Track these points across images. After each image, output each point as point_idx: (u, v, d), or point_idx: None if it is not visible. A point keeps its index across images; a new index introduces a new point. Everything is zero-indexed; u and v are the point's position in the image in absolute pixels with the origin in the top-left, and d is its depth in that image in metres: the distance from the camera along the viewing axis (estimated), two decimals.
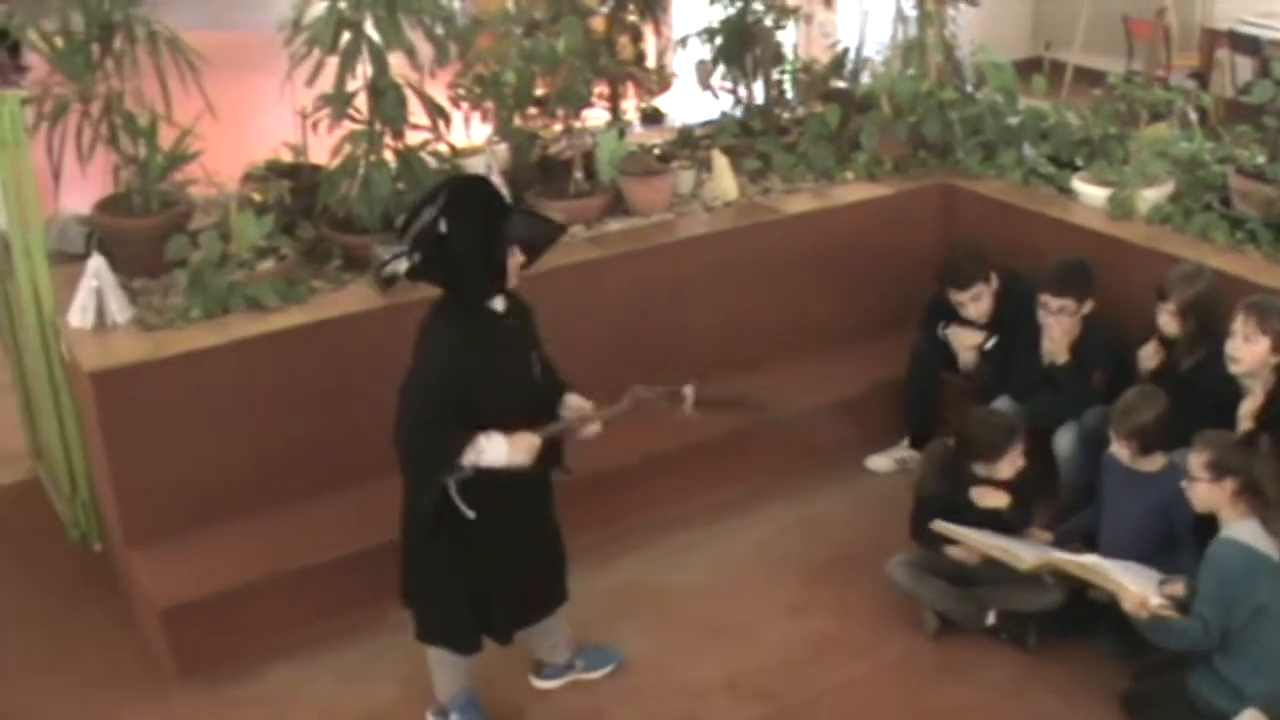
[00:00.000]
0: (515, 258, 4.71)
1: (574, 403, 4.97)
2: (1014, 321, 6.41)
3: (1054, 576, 5.45)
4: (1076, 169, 7.29)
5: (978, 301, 6.51)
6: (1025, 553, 5.39)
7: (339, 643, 5.71)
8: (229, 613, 5.54)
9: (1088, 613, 5.49)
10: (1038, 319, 6.19)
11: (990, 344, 6.56)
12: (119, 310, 5.81)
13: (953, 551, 5.58)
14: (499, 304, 4.78)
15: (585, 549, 5.71)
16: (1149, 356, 5.92)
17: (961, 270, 6.53)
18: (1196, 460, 4.98)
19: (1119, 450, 5.44)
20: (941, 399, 6.82)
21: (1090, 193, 6.94)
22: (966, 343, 6.62)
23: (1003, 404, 6.26)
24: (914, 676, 5.56)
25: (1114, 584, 5.13)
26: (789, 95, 8.02)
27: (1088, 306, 6.11)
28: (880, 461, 6.97)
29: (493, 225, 4.66)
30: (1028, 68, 8.47)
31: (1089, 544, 5.57)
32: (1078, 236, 6.66)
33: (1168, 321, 5.81)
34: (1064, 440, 6.07)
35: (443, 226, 4.58)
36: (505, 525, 4.89)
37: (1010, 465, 5.57)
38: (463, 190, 4.74)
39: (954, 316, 6.63)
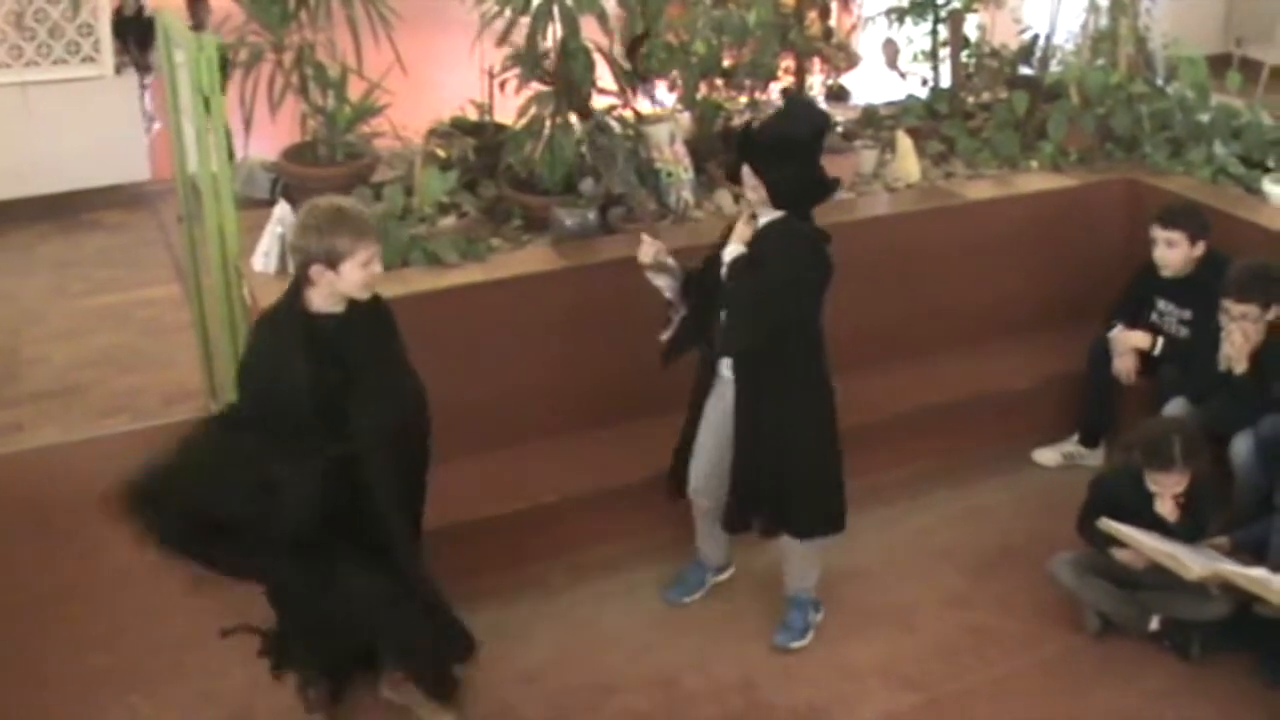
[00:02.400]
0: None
1: None
2: (1207, 304, 6.15)
3: (1221, 588, 5.33)
4: (1268, 170, 7.12)
5: (1172, 248, 6.34)
6: (1193, 562, 5.26)
7: (499, 600, 5.78)
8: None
9: (1254, 627, 5.37)
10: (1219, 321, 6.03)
11: (1159, 349, 6.43)
12: None
13: (1120, 554, 5.48)
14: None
15: None
16: None
17: (1176, 211, 6.43)
18: None
19: None
20: (1119, 397, 6.68)
21: None
22: (1132, 343, 6.48)
23: (1178, 406, 6.14)
24: (1071, 676, 5.48)
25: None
26: (974, 79, 7.92)
27: (1273, 313, 5.90)
28: (1047, 455, 6.88)
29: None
30: (1217, 64, 8.29)
31: (1261, 555, 5.43)
32: (1266, 239, 6.50)
33: None
34: (1241, 448, 5.92)
35: None
36: None
37: (1176, 482, 5.40)
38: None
39: (1135, 317, 6.51)
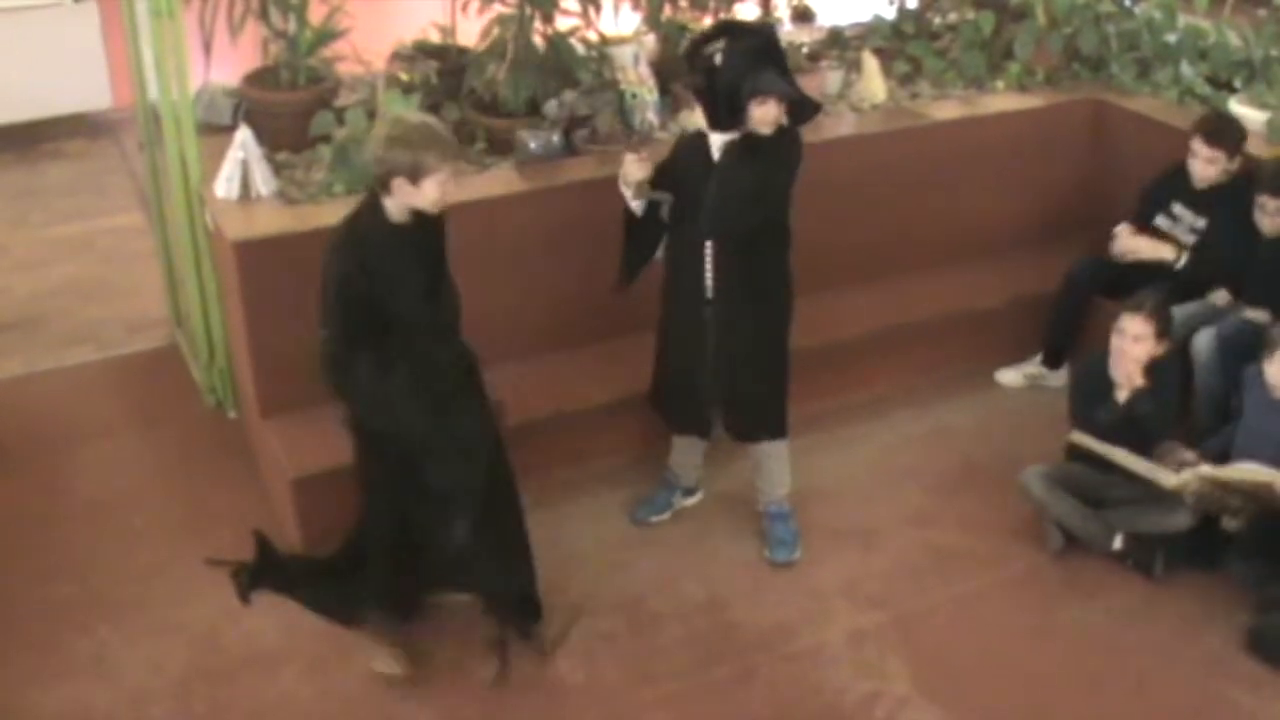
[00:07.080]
0: (765, 107, 5.02)
1: None
2: (1224, 216, 6.27)
3: (1195, 495, 5.32)
4: (1234, 90, 7.11)
5: (1211, 165, 6.27)
6: (1167, 474, 5.31)
7: None
8: (350, 488, 5.57)
9: (1216, 542, 5.43)
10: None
11: (1182, 262, 6.35)
12: (263, 182, 5.85)
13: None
14: (719, 139, 5.16)
15: (712, 448, 5.79)
16: None
17: (1220, 129, 6.34)
18: None
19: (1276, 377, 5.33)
20: (1085, 320, 6.70)
21: (1247, 115, 6.75)
22: (1156, 253, 6.42)
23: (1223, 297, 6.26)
24: (1034, 594, 5.53)
25: (1269, 476, 5.08)
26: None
27: None
28: (1010, 376, 6.91)
29: (745, 68, 5.02)
30: None
31: (1224, 461, 5.45)
32: None
33: None
34: (1201, 344, 5.98)
35: (717, 59, 5.04)
36: None
37: (1138, 331, 5.45)
38: (742, 33, 5.18)
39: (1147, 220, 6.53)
